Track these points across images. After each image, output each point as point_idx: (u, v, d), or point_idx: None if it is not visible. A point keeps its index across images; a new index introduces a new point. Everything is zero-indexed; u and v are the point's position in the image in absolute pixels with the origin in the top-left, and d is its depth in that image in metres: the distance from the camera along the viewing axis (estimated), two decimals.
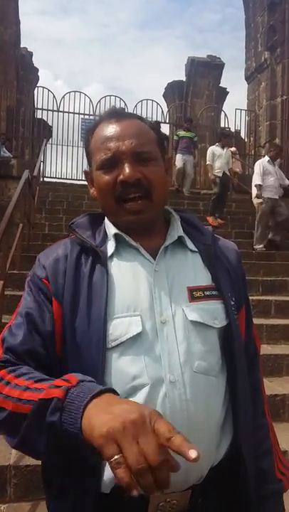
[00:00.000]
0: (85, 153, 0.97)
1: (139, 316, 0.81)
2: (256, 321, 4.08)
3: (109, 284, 0.83)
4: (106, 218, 0.93)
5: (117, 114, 0.91)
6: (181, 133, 9.13)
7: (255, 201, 6.57)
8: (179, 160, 9.05)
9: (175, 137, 9.26)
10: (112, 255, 0.87)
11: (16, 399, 0.70)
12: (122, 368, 0.78)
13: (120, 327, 0.80)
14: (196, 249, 0.92)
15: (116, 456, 0.54)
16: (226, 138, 7.81)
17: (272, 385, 3.21)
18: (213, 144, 7.97)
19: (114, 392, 0.64)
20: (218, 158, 7.46)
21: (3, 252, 3.70)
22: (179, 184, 8.81)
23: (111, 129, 0.87)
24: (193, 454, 0.52)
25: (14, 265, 4.33)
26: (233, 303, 0.89)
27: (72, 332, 0.81)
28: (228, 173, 7.60)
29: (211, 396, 0.82)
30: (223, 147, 7.55)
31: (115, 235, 0.88)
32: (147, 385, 0.77)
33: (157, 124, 0.96)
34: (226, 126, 11.91)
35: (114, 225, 0.90)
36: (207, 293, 0.86)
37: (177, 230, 0.91)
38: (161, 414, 0.73)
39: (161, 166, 0.90)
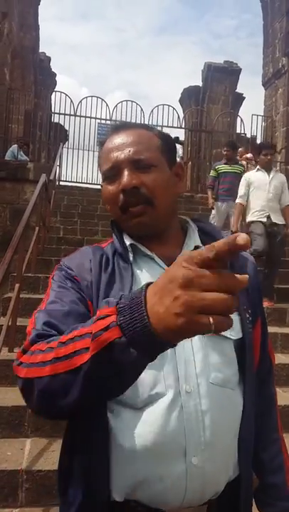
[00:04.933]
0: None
1: None
2: (270, 329, 4.04)
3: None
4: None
5: (120, 127, 0.91)
6: (223, 167, 5.92)
7: None
8: (219, 210, 5.93)
9: (212, 173, 6.07)
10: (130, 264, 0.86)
11: (54, 359, 0.65)
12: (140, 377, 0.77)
13: None
14: None
15: (211, 321, 0.48)
16: (266, 151, 4.54)
17: (287, 396, 3.16)
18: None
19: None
20: (256, 190, 4.44)
21: (20, 255, 3.73)
22: None
23: (113, 141, 0.88)
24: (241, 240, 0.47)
25: (29, 268, 4.35)
26: (248, 316, 0.87)
27: None
28: (278, 218, 4.38)
29: (228, 408, 0.80)
30: (266, 168, 4.48)
31: (130, 245, 0.87)
32: (165, 395, 0.76)
33: (175, 138, 0.95)
34: (242, 132, 11.85)
35: (129, 235, 0.90)
36: None
37: (194, 240, 0.90)
38: (177, 425, 0.74)
39: (164, 172, 0.87)
